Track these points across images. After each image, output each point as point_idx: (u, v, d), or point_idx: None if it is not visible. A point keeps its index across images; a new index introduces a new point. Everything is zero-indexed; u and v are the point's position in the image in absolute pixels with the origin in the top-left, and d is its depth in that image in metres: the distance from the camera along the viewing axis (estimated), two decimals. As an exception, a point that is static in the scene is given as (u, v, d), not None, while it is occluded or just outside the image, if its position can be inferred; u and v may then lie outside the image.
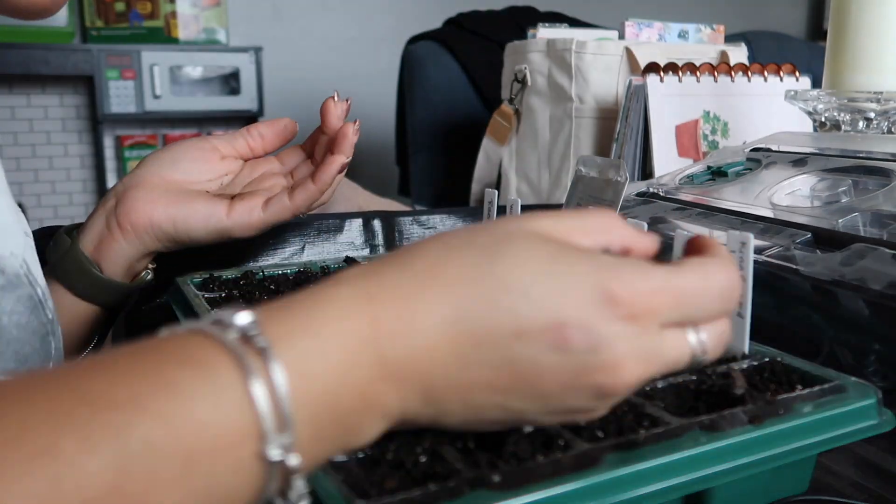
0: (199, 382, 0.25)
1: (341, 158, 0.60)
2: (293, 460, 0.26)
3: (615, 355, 0.30)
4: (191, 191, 0.62)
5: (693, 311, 0.32)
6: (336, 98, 0.62)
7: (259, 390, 0.25)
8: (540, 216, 0.33)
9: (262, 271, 0.65)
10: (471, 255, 0.30)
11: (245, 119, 2.96)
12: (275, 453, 0.26)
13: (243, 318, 0.27)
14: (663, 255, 0.35)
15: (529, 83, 1.26)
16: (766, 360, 0.45)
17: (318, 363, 0.27)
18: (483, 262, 0.30)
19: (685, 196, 0.78)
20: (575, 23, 1.81)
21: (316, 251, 0.84)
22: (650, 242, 0.35)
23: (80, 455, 0.22)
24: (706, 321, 0.33)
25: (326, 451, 0.29)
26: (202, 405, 0.25)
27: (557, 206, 0.76)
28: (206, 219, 0.61)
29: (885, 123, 0.81)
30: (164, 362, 0.25)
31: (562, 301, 0.29)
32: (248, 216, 0.60)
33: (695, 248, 0.37)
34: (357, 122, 0.61)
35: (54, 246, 0.62)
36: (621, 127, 1.08)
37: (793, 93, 0.85)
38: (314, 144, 0.65)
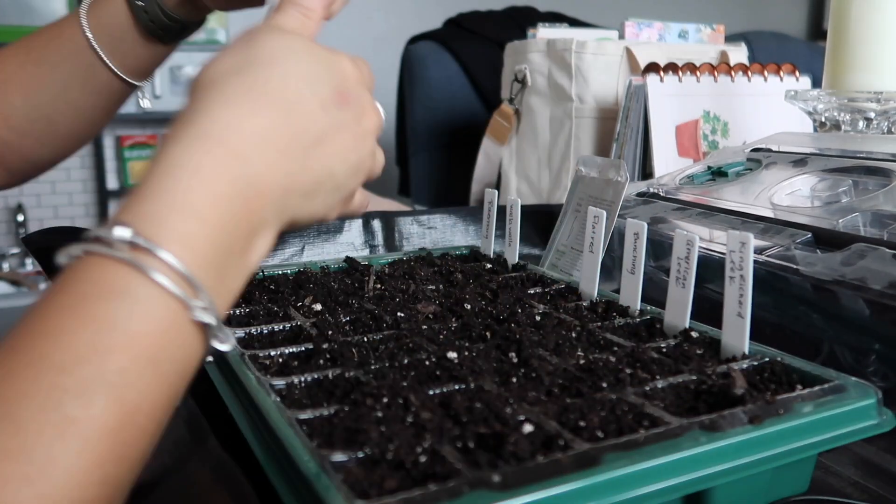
0: (126, 306, 0.31)
1: None
2: (212, 315, 0.33)
3: (366, 104, 0.43)
4: None
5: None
6: None
7: (163, 279, 0.31)
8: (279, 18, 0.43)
9: (262, 271, 0.65)
10: (240, 80, 0.38)
11: (245, 119, 2.95)
12: (200, 313, 0.32)
13: (122, 231, 0.32)
14: None
15: (529, 83, 1.26)
16: (766, 360, 0.45)
17: (195, 229, 0.33)
18: (259, 83, 0.38)
19: (685, 196, 0.78)
20: (575, 23, 1.81)
21: (316, 251, 0.84)
22: None
23: (84, 409, 0.28)
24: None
25: (237, 279, 0.36)
26: (138, 319, 0.31)
27: (558, 207, 0.76)
28: None
29: (885, 123, 0.81)
30: (92, 305, 0.30)
31: (333, 76, 0.40)
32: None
33: None
34: None
35: None
36: (621, 127, 1.08)
37: (793, 93, 0.85)
38: None
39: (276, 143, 0.37)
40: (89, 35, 0.63)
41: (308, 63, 0.40)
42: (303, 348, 0.47)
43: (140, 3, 0.62)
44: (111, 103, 0.68)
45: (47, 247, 0.68)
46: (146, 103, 2.75)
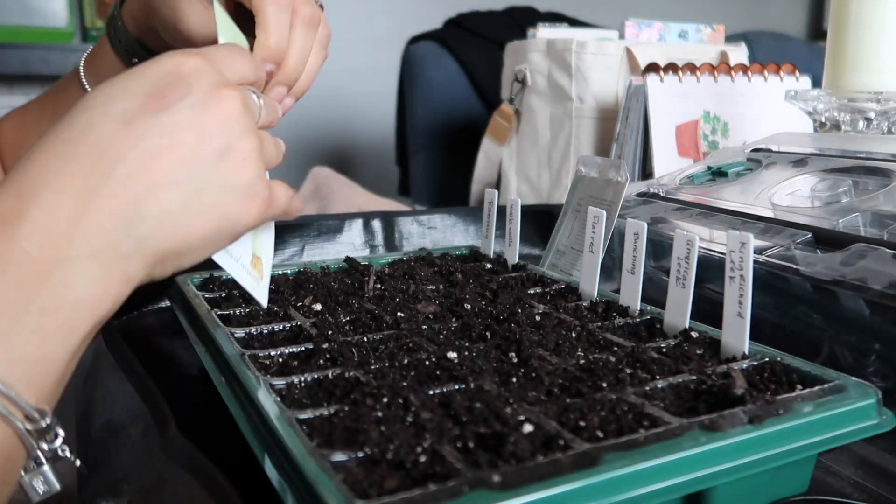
0: None
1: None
2: (35, 422, 0.31)
3: (211, 84, 0.37)
4: None
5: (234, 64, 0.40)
6: None
7: None
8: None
9: (262, 271, 0.65)
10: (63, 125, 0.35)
11: (245, 119, 2.95)
12: (22, 425, 0.31)
13: None
14: None
15: (529, 83, 1.26)
16: (766, 360, 0.45)
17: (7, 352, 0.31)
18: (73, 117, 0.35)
19: (685, 196, 0.78)
20: (575, 23, 1.81)
21: (316, 251, 0.84)
22: None
23: None
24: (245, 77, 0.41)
25: (35, 341, 0.32)
26: None
27: (558, 207, 0.76)
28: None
29: (885, 123, 0.80)
30: None
31: (141, 79, 0.36)
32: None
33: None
34: None
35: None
36: (621, 127, 1.08)
37: (793, 93, 0.85)
38: None
39: (60, 179, 0.33)
40: (88, 89, 0.63)
41: (106, 86, 0.36)
42: (303, 348, 0.47)
43: (133, 59, 0.61)
44: None
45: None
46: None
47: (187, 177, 0.35)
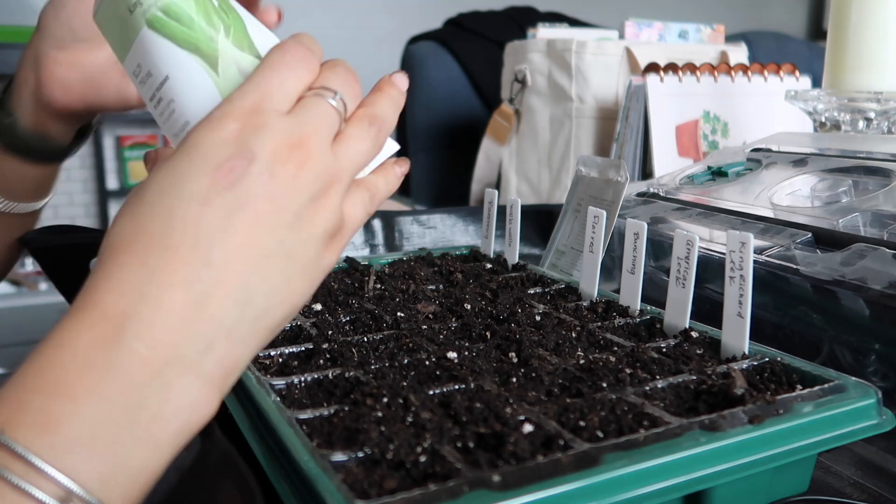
0: None
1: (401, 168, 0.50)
2: None
3: (273, 146, 0.33)
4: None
5: (288, 86, 0.35)
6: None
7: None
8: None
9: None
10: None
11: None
12: None
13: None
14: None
15: (529, 83, 1.26)
16: (766, 360, 0.45)
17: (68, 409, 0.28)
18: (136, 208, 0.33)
19: (685, 196, 0.78)
20: (575, 23, 1.81)
21: (316, 251, 0.83)
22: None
23: None
24: (324, 80, 0.36)
25: (139, 456, 0.30)
26: None
27: (558, 207, 0.76)
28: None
29: (885, 123, 0.80)
30: None
31: (202, 159, 0.33)
32: None
33: None
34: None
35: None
36: (621, 127, 1.08)
37: (793, 93, 0.85)
38: None
39: (163, 273, 0.31)
40: None
41: (167, 170, 0.33)
42: (303, 348, 0.47)
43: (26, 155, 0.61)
44: (11, 232, 0.65)
45: (46, 247, 0.68)
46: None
47: (278, 245, 0.33)
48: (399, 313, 0.53)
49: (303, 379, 0.43)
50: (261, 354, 0.46)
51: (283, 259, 0.33)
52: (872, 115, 0.80)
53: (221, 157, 0.32)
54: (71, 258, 0.67)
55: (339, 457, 0.34)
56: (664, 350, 0.47)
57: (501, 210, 0.71)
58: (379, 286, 0.61)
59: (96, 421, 0.28)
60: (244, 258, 0.32)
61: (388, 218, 0.89)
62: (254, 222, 0.32)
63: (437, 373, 0.43)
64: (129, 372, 0.29)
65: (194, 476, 0.40)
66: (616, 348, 0.47)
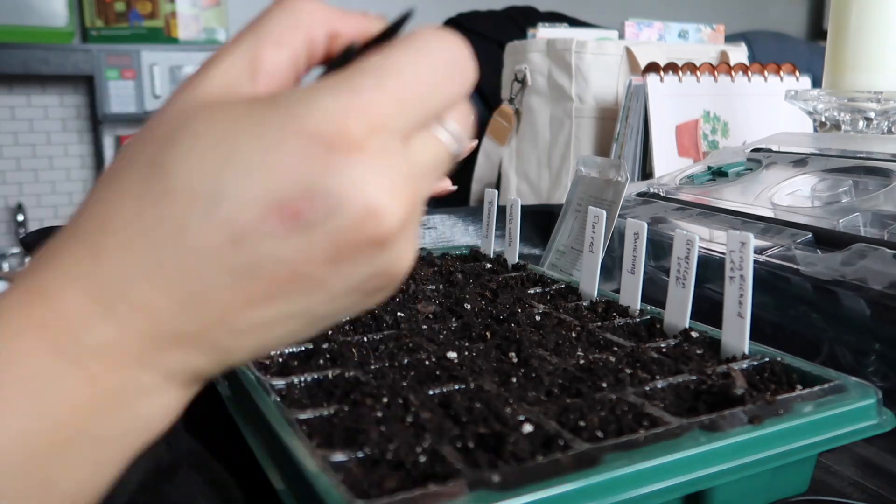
0: None
1: (445, 183, 0.48)
2: None
3: (366, 199, 0.23)
4: None
5: (427, 105, 0.25)
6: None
7: None
8: (209, 69, 0.26)
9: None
10: (136, 177, 0.24)
11: (245, 119, 2.95)
12: None
13: None
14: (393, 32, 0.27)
15: (529, 83, 1.26)
16: (766, 360, 0.45)
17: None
18: (153, 181, 0.24)
19: (685, 196, 0.78)
20: (575, 23, 1.81)
21: (316, 251, 0.83)
22: (358, 20, 0.28)
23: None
24: (447, 107, 0.26)
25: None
26: None
27: (558, 207, 0.76)
28: None
29: (885, 123, 0.80)
30: None
31: (265, 179, 0.23)
32: None
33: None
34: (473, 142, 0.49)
35: None
36: (621, 127, 1.08)
37: (793, 93, 0.85)
38: None
39: (140, 290, 0.23)
40: None
41: (217, 159, 0.23)
42: (303, 348, 0.47)
43: None
44: None
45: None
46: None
47: (304, 311, 0.25)
48: (399, 313, 0.53)
49: (303, 379, 0.43)
50: (261, 354, 0.46)
51: (301, 322, 0.26)
52: (872, 115, 0.80)
53: (291, 185, 0.23)
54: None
55: (338, 457, 0.34)
56: (664, 350, 0.47)
57: (501, 210, 0.71)
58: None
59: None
60: (248, 315, 0.25)
61: (388, 218, 0.88)
62: (290, 282, 0.24)
63: (437, 373, 0.43)
64: (81, 390, 0.24)
65: (158, 478, 0.40)
66: (616, 348, 0.47)
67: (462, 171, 1.49)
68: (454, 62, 0.26)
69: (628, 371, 0.43)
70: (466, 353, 0.46)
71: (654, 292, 0.59)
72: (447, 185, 0.52)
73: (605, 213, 0.58)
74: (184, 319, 0.24)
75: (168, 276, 0.23)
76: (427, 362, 0.44)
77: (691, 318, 0.50)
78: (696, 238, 0.48)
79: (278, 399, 0.40)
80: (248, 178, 0.23)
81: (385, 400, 0.38)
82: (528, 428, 0.35)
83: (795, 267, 0.56)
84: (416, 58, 0.25)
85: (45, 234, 0.73)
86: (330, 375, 0.43)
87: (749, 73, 1.11)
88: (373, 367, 0.44)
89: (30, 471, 0.23)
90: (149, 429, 0.26)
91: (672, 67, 1.06)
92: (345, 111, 0.23)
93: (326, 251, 0.24)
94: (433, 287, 0.62)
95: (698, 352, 0.46)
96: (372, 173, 0.23)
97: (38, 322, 0.24)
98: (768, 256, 0.59)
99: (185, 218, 0.23)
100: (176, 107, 0.25)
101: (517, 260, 0.69)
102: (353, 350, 0.46)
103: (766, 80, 1.11)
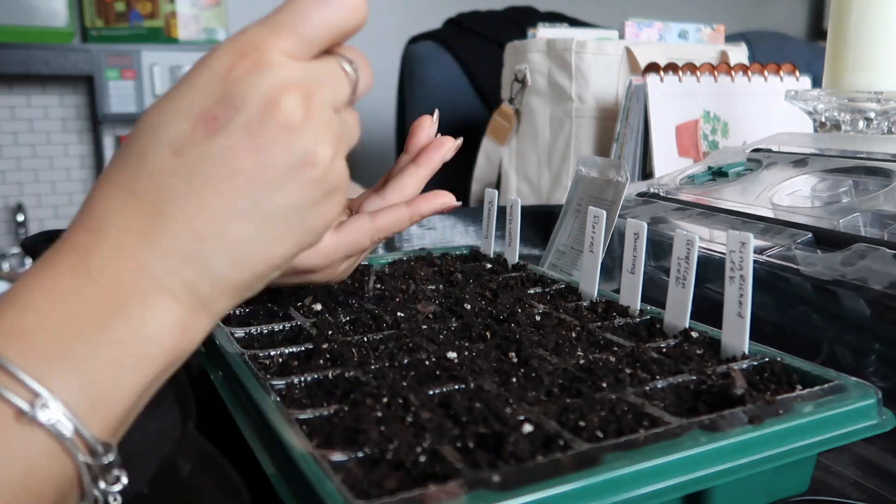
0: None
1: (447, 199, 0.52)
2: (65, 417, 0.28)
3: (262, 92, 0.31)
4: None
5: (300, 30, 0.33)
6: (434, 118, 0.55)
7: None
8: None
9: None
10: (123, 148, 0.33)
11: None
12: (84, 458, 0.28)
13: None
14: None
15: (529, 83, 1.26)
16: (766, 360, 0.45)
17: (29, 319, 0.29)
18: (131, 140, 0.32)
19: (686, 196, 0.78)
20: (575, 23, 1.81)
21: (316, 251, 0.83)
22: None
23: None
24: (328, 34, 0.34)
25: (105, 362, 0.30)
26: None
27: (558, 207, 0.76)
28: None
29: (886, 123, 0.80)
30: None
31: (188, 101, 0.31)
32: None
33: None
34: (458, 139, 0.54)
35: None
36: (621, 127, 1.08)
37: (793, 93, 0.85)
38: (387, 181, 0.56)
39: (123, 216, 0.31)
40: None
41: (158, 105, 0.32)
42: (303, 348, 0.47)
43: None
44: None
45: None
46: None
47: (252, 206, 0.31)
48: (399, 313, 0.53)
49: (303, 379, 0.43)
50: (261, 354, 0.46)
51: (254, 222, 0.31)
52: (872, 115, 0.80)
53: (207, 100, 0.31)
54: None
55: (339, 457, 0.34)
56: (664, 350, 0.47)
57: (501, 210, 0.71)
58: (379, 286, 0.61)
59: (64, 335, 0.29)
60: (206, 217, 0.30)
61: (388, 218, 0.88)
62: (226, 179, 0.30)
63: (437, 373, 0.43)
64: (94, 301, 0.29)
65: (171, 474, 0.40)
66: (616, 348, 0.47)
67: (462, 171, 1.49)
68: (330, 2, 0.33)
69: (628, 371, 0.43)
70: (466, 353, 0.46)
71: (654, 292, 0.59)
72: (451, 201, 0.52)
73: (605, 213, 0.58)
74: (157, 230, 0.30)
75: (138, 197, 0.31)
76: (427, 362, 0.44)
77: (691, 318, 0.50)
78: (696, 238, 0.48)
79: (278, 399, 0.40)
80: (177, 104, 0.31)
81: (385, 400, 0.38)
82: (528, 428, 0.35)
83: (795, 267, 0.56)
84: (295, 2, 0.33)
85: (46, 236, 0.73)
86: (330, 375, 0.43)
87: (749, 73, 1.11)
88: (373, 367, 0.44)
89: (73, 367, 0.29)
90: (160, 341, 0.31)
91: (672, 67, 1.06)
92: (237, 42, 0.32)
93: (245, 142, 0.30)
94: (433, 287, 0.62)
95: (698, 352, 0.46)
96: (263, 76, 0.31)
97: (58, 257, 0.30)
98: (768, 256, 0.59)
99: (143, 148, 0.31)
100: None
101: (517, 260, 0.69)
102: (353, 350, 0.46)
103: (766, 80, 1.11)
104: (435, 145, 0.53)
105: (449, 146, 0.53)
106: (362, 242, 0.48)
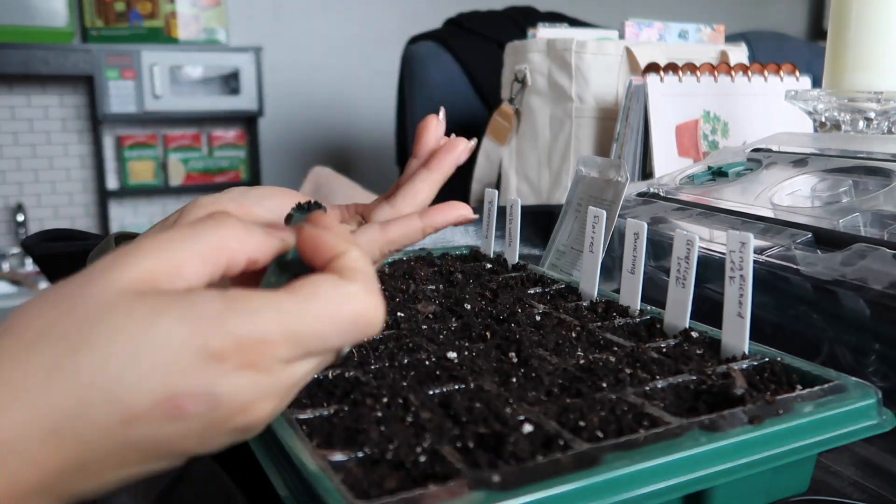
0: None
1: (464, 210, 0.49)
2: None
3: (240, 402, 0.29)
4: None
5: (314, 347, 0.30)
6: (440, 117, 0.51)
7: None
8: (136, 256, 0.29)
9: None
10: (50, 350, 0.27)
11: (245, 119, 2.96)
12: None
13: None
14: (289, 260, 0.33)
15: (529, 83, 1.26)
16: (766, 360, 0.45)
17: None
18: (67, 357, 0.27)
19: (686, 196, 0.78)
20: (575, 23, 1.81)
21: (316, 251, 0.83)
22: (273, 244, 0.33)
23: None
24: (334, 348, 0.31)
25: None
26: None
27: (558, 207, 0.76)
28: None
29: (885, 123, 0.80)
30: None
31: (164, 373, 0.27)
32: None
33: (309, 252, 0.32)
34: (471, 141, 0.50)
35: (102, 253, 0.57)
36: (621, 127, 1.08)
37: (793, 93, 0.85)
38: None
39: (72, 447, 0.27)
40: None
41: (126, 353, 0.27)
42: (303, 348, 0.47)
43: None
44: None
45: (48, 254, 0.68)
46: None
47: (165, 466, 0.30)
48: (399, 313, 0.53)
49: (303, 379, 0.43)
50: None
51: (145, 468, 0.29)
52: (872, 115, 0.80)
53: (182, 385, 0.27)
54: (72, 267, 0.67)
55: (338, 457, 0.34)
56: (664, 350, 0.47)
57: (501, 210, 0.71)
58: (379, 286, 0.61)
59: None
60: (118, 476, 0.29)
61: (388, 218, 0.89)
62: (155, 456, 0.29)
63: (437, 373, 0.43)
64: None
65: (162, 487, 0.40)
66: (616, 348, 0.47)
67: (462, 171, 1.49)
68: (354, 322, 0.31)
69: (628, 371, 0.43)
70: (466, 353, 0.46)
71: (654, 292, 0.59)
72: (468, 214, 0.49)
73: (605, 213, 0.58)
74: (67, 478, 0.27)
75: (64, 442, 0.27)
76: (427, 362, 0.44)
77: (691, 318, 0.50)
78: (696, 238, 0.48)
79: (278, 399, 0.40)
80: (150, 373, 0.27)
81: (385, 400, 0.38)
82: (528, 428, 0.35)
83: (795, 267, 0.56)
84: (319, 309, 0.30)
85: (46, 236, 0.73)
86: (330, 375, 0.43)
87: (749, 73, 1.11)
88: (373, 367, 0.44)
89: None
90: None
91: (672, 67, 1.06)
92: (242, 339, 0.28)
93: (199, 435, 0.28)
94: (433, 287, 0.62)
95: (698, 352, 0.46)
96: (253, 386, 0.29)
97: None
98: (768, 256, 0.59)
99: (89, 397, 0.27)
100: (97, 287, 0.28)
101: (517, 260, 0.69)
102: (353, 350, 0.46)
103: (766, 80, 1.11)
104: (447, 147, 0.49)
105: (462, 148, 0.49)
106: (372, 255, 0.45)
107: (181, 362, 0.27)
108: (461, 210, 0.48)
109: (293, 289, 0.30)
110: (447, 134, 0.50)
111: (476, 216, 0.49)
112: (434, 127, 0.50)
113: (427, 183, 0.49)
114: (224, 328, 0.28)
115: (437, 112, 0.52)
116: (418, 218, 0.47)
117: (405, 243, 0.46)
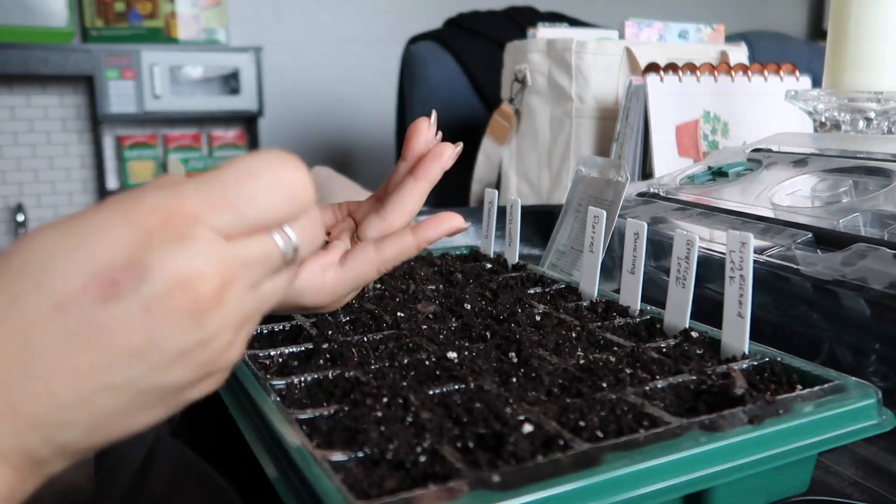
0: None
1: (456, 222, 0.49)
2: None
3: (175, 270, 0.27)
4: None
5: (244, 212, 0.29)
6: (432, 120, 0.51)
7: None
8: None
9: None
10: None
11: (245, 119, 2.96)
12: None
13: None
14: None
15: (529, 83, 1.26)
16: (766, 360, 0.45)
17: None
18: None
19: (686, 196, 0.78)
20: (575, 23, 1.81)
21: (316, 251, 0.83)
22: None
23: None
24: (272, 219, 0.30)
25: None
26: None
27: (558, 207, 0.76)
28: None
29: (886, 123, 0.80)
30: None
31: (90, 254, 0.26)
32: (320, 277, 0.45)
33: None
34: (458, 146, 0.51)
35: None
36: (621, 127, 1.08)
37: (793, 93, 0.85)
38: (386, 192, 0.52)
39: (8, 339, 0.26)
40: None
41: (48, 243, 0.27)
42: (303, 348, 0.47)
43: None
44: None
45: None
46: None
47: (127, 382, 0.27)
48: (399, 313, 0.53)
49: (303, 379, 0.43)
50: (261, 354, 0.46)
51: (126, 397, 0.27)
52: (872, 115, 0.80)
53: (111, 259, 0.26)
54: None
55: (338, 457, 0.34)
56: (664, 350, 0.47)
57: (501, 210, 0.71)
58: (379, 286, 0.61)
59: None
60: (72, 386, 0.26)
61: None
62: (107, 348, 0.26)
63: (437, 373, 0.43)
64: None
65: (144, 486, 0.39)
66: (616, 348, 0.47)
67: (462, 171, 1.49)
68: (280, 185, 0.29)
69: (628, 371, 0.43)
70: (466, 353, 0.46)
71: (654, 292, 0.59)
72: (460, 224, 0.49)
73: (605, 213, 0.58)
74: (11, 387, 0.26)
75: (4, 345, 0.26)
76: (427, 362, 0.44)
77: (691, 318, 0.50)
78: (696, 238, 0.48)
79: (278, 399, 0.40)
80: (74, 252, 0.26)
81: (385, 400, 0.38)
82: (528, 428, 0.35)
83: (795, 267, 0.56)
84: (241, 175, 0.29)
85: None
86: (330, 375, 0.43)
87: (749, 73, 1.11)
88: (373, 367, 0.44)
89: None
90: None
91: (672, 67, 1.06)
92: (162, 208, 0.27)
93: (141, 319, 0.26)
94: (433, 287, 0.62)
95: (698, 352, 0.46)
96: (183, 252, 0.27)
97: None
98: (768, 256, 0.59)
99: (18, 289, 0.26)
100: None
101: (517, 260, 0.69)
102: (353, 350, 0.46)
103: (766, 80, 1.12)
104: (433, 154, 0.49)
105: (448, 154, 0.49)
106: (368, 275, 0.46)
107: (106, 240, 0.27)
108: (453, 221, 0.49)
109: (219, 167, 0.30)
110: (445, 135, 0.51)
111: (468, 224, 0.50)
112: (424, 130, 0.50)
113: (414, 192, 0.49)
114: (145, 202, 0.27)
115: (437, 112, 0.52)
116: (411, 234, 0.47)
117: (399, 260, 0.46)
